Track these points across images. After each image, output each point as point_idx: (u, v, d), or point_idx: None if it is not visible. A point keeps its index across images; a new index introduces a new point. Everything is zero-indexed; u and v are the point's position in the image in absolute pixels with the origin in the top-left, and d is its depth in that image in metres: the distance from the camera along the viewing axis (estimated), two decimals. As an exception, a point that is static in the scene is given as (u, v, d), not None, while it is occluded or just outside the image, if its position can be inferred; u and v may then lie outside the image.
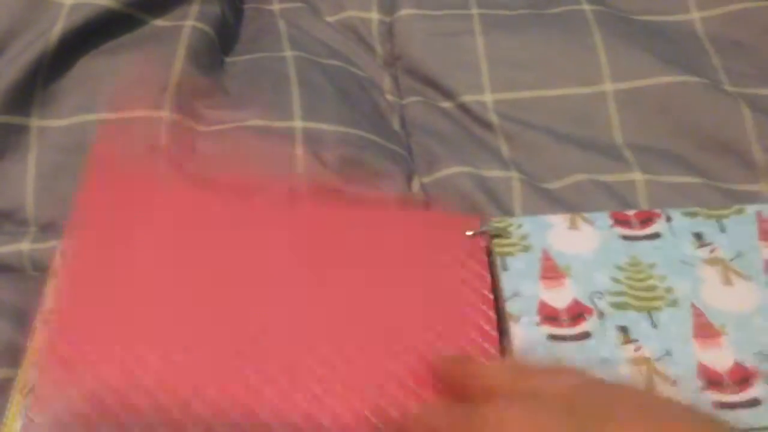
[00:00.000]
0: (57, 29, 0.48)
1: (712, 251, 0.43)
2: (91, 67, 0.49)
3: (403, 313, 0.40)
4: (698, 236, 0.44)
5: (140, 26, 0.51)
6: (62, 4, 0.49)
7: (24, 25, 0.48)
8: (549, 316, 0.41)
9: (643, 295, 0.42)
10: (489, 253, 0.44)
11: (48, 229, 0.46)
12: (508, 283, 0.43)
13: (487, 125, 0.54)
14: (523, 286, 0.43)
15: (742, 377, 0.38)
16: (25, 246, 0.44)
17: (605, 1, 0.60)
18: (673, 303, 0.41)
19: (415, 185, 0.50)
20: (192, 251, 0.40)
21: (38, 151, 0.47)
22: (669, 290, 0.42)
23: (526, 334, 0.41)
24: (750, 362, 0.39)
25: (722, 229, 0.44)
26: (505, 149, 0.53)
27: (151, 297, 0.38)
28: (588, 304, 0.42)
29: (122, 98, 0.47)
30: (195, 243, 0.40)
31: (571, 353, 0.40)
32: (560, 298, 0.42)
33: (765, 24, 0.57)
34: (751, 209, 0.45)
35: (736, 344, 0.40)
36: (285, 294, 0.39)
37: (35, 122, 0.47)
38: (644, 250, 0.44)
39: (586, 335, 0.40)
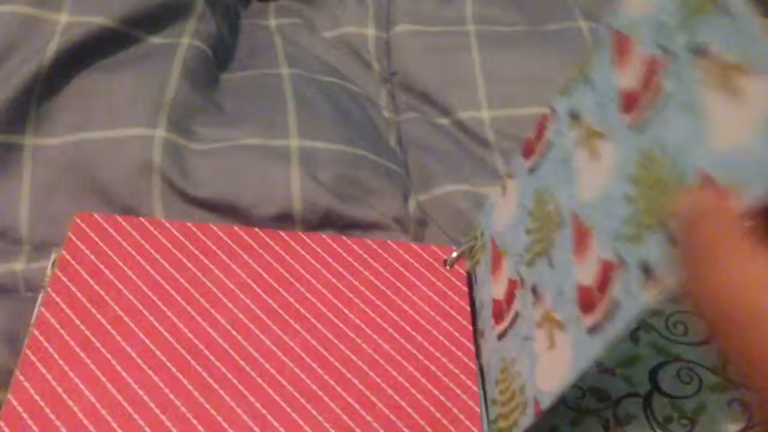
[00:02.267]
0: (52, 47, 0.47)
1: (579, 124, 0.35)
2: (85, 85, 0.48)
3: (380, 352, 0.39)
4: (573, 115, 0.36)
5: (135, 44, 0.51)
6: (57, 22, 0.49)
7: (18, 43, 0.48)
8: (497, 313, 0.39)
9: (545, 234, 0.36)
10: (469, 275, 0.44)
11: (42, 248, 0.45)
12: (477, 296, 0.42)
13: (483, 142, 0.54)
14: (483, 293, 0.42)
15: (605, 277, 0.31)
16: (18, 266, 0.44)
17: (601, 19, 0.60)
18: (560, 223, 0.35)
19: (412, 203, 0.50)
20: (163, 297, 0.40)
21: (32, 170, 0.47)
22: (557, 209, 0.35)
23: (489, 345, 0.40)
24: (610, 251, 0.31)
25: (587, 83, 0.35)
26: (501, 166, 0.53)
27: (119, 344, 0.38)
28: (515, 277, 0.38)
29: (116, 116, 0.47)
30: (165, 291, 0.40)
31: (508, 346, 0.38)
32: (501, 287, 0.40)
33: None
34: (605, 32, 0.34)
35: (600, 235, 0.32)
36: (255, 336, 0.39)
37: (30, 140, 0.47)
38: (544, 173, 0.37)
39: (515, 318, 0.38)
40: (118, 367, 0.37)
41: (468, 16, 0.61)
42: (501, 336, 0.39)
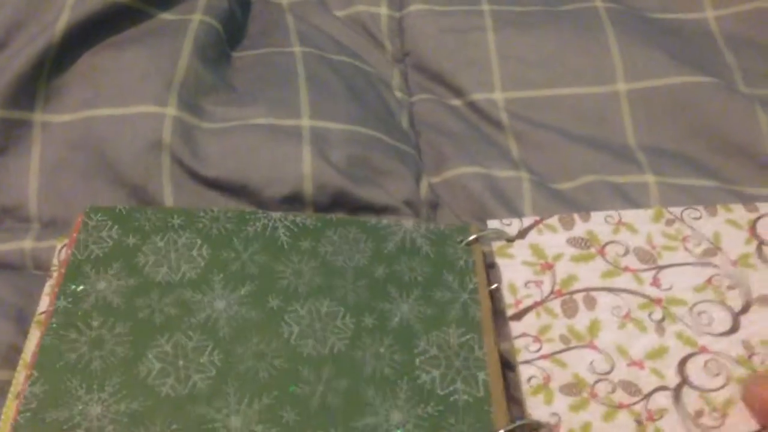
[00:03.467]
0: (61, 22, 0.47)
1: None
2: (95, 61, 0.48)
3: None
4: None
5: (146, 19, 0.51)
6: (67, -4, 0.48)
7: (28, 17, 0.47)
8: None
9: None
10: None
11: (50, 226, 0.45)
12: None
13: (496, 124, 0.53)
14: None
15: None
16: (27, 244, 0.44)
17: (619, -1, 0.59)
18: None
19: (423, 185, 0.49)
20: None
21: (42, 147, 0.46)
22: None
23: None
24: None
25: None
26: (514, 149, 0.52)
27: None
28: None
29: (126, 93, 0.46)
30: None
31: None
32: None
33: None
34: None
35: None
36: None
37: (39, 117, 0.47)
38: None
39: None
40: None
41: (483, -5, 0.60)
42: None
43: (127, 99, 0.46)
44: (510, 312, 0.41)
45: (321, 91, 0.50)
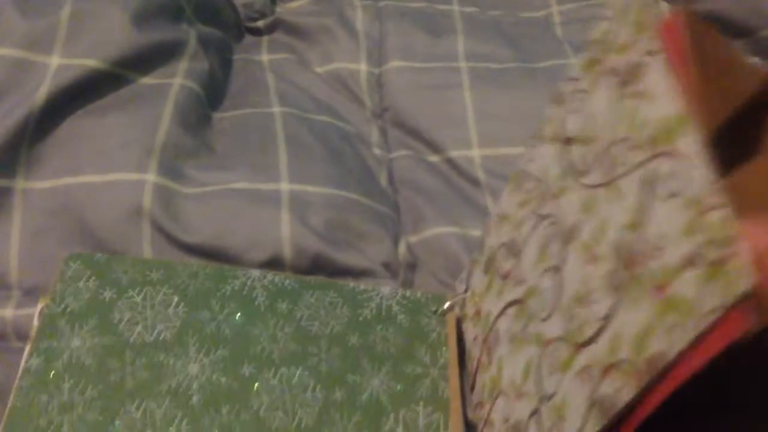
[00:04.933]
0: (43, 91, 0.48)
1: None
2: (76, 127, 0.48)
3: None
4: None
5: (127, 85, 0.51)
6: (48, 64, 0.49)
7: (10, 86, 0.48)
8: None
9: None
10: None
11: (31, 293, 0.45)
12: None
13: (473, 181, 0.54)
14: None
15: None
16: (8, 312, 0.44)
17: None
18: None
19: (402, 245, 0.50)
20: None
21: (22, 213, 0.47)
22: None
23: None
24: None
25: None
26: (491, 206, 0.53)
27: None
28: None
29: (107, 160, 0.47)
30: None
31: None
32: None
33: None
34: None
35: None
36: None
37: (20, 184, 0.47)
38: None
39: None
40: None
41: (460, 53, 0.61)
42: None
43: (107, 166, 0.47)
44: (470, 382, 0.41)
45: (300, 153, 0.51)
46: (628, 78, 0.31)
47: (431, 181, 0.54)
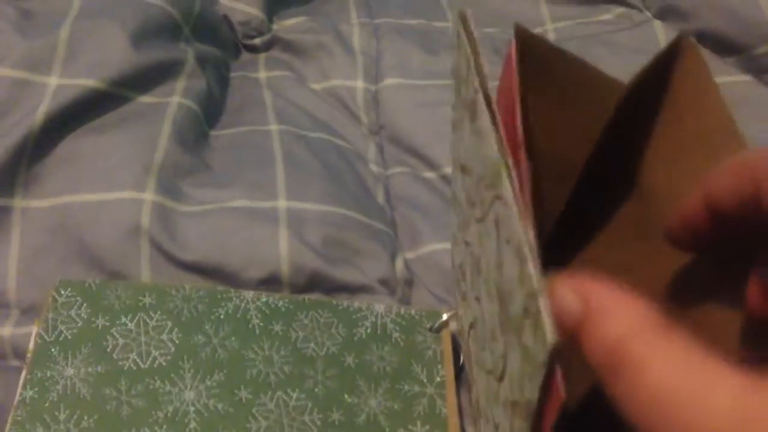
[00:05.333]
0: (42, 110, 0.48)
1: None
2: (75, 146, 0.49)
3: None
4: None
5: (125, 103, 0.52)
6: (47, 84, 0.49)
7: (9, 106, 0.48)
8: None
9: None
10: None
11: (29, 312, 0.45)
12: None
13: (470, 198, 0.55)
14: None
15: None
16: (6, 330, 0.44)
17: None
18: None
19: (400, 262, 0.50)
20: None
21: (21, 232, 0.47)
22: None
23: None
24: None
25: None
26: (488, 222, 0.53)
27: None
28: None
29: (105, 179, 0.47)
30: None
31: None
32: None
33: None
34: None
35: None
36: None
37: (19, 203, 0.47)
38: None
39: None
40: None
41: (455, 70, 0.61)
42: None
43: (106, 185, 0.47)
44: (470, 396, 0.41)
45: (297, 171, 0.51)
46: (472, 113, 0.30)
47: (427, 198, 0.55)
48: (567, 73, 0.33)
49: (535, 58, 0.32)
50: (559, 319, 0.22)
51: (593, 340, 0.21)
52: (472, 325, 0.37)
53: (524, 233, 0.23)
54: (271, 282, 0.47)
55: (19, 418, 0.38)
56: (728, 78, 0.60)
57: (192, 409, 0.39)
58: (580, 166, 0.33)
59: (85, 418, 0.38)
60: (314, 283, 0.47)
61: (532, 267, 0.23)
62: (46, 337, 0.41)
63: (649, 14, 0.66)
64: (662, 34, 0.64)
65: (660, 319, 0.21)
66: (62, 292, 0.42)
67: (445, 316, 0.44)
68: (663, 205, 0.32)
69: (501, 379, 0.29)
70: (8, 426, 0.38)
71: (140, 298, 0.43)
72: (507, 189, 0.25)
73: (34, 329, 0.43)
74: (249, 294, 0.44)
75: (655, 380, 0.19)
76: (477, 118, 0.29)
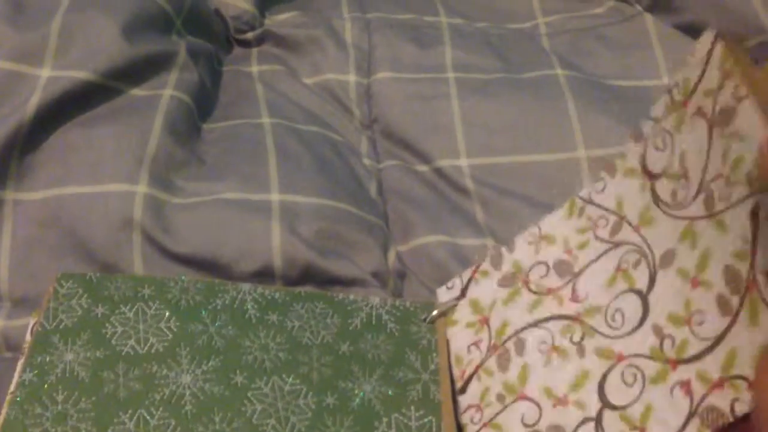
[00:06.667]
0: (33, 102, 0.48)
1: None
2: (67, 138, 0.49)
3: None
4: None
5: (117, 96, 0.51)
6: (39, 76, 0.49)
7: (0, 99, 0.48)
8: None
9: None
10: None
11: (21, 304, 0.45)
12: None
13: (462, 190, 0.55)
14: None
15: None
16: (-2, 323, 0.44)
17: (579, 67, 0.61)
18: None
19: (392, 255, 0.50)
20: None
21: (13, 224, 0.47)
22: None
23: None
24: None
25: None
26: (480, 215, 0.53)
27: None
28: None
29: (98, 171, 0.47)
30: None
31: None
32: None
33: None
34: None
35: None
36: None
37: (10, 195, 0.47)
38: None
39: None
40: None
41: (448, 64, 0.62)
42: None
43: (98, 177, 0.47)
44: (458, 385, 0.42)
45: (290, 164, 0.51)
46: (719, 120, 0.33)
47: (420, 191, 0.55)
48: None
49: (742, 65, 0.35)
50: None
51: None
52: (560, 318, 0.41)
53: None
54: (263, 274, 0.47)
55: (18, 399, 0.38)
56: (718, 71, 0.60)
57: (188, 392, 0.39)
58: None
59: (83, 399, 0.38)
60: (307, 276, 0.47)
61: None
62: (46, 325, 0.41)
63: (639, 8, 0.67)
64: (653, 28, 0.64)
65: None
66: (63, 284, 0.43)
67: (438, 310, 0.45)
68: None
69: (691, 360, 0.33)
70: (5, 407, 0.38)
71: (139, 289, 0.43)
72: None
73: (31, 321, 0.43)
74: (246, 286, 0.44)
75: None
76: (730, 122, 0.32)
